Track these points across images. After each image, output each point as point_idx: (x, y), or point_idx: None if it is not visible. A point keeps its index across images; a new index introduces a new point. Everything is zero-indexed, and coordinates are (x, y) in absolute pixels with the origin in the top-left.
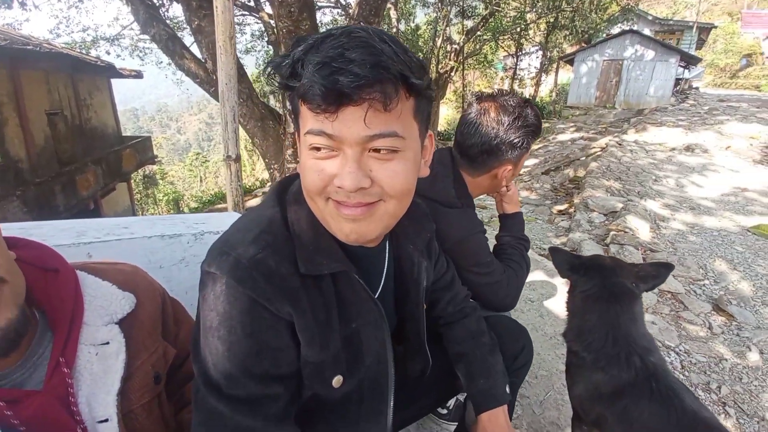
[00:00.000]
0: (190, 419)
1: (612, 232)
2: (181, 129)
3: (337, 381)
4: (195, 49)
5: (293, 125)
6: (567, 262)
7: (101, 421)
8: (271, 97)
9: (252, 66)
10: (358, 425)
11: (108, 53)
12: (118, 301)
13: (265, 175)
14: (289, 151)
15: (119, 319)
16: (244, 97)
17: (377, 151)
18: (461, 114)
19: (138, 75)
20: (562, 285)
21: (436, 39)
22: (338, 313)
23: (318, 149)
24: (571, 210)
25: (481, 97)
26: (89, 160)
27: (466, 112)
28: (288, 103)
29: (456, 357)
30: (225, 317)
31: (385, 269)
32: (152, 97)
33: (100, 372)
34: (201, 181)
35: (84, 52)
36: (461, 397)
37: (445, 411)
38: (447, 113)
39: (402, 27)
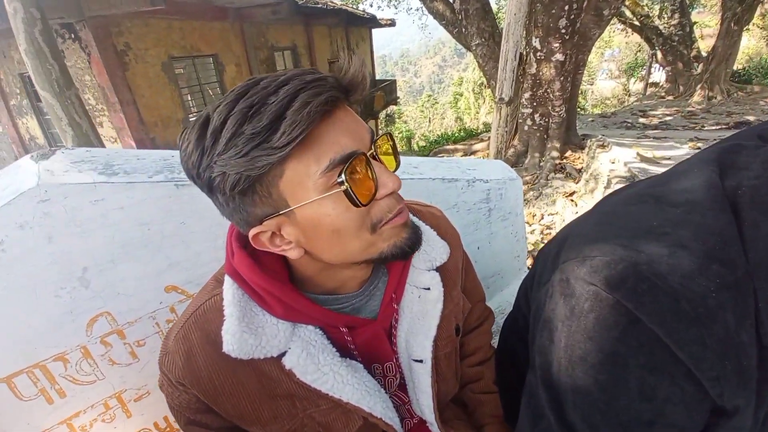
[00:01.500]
0: (469, 374)
1: None
2: (417, 72)
3: None
4: None
5: None
6: None
7: (417, 360)
8: None
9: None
10: None
11: (371, 5)
12: (438, 248)
13: (491, 118)
14: (527, 95)
15: (436, 267)
16: (486, 36)
17: None
18: None
19: (392, 23)
20: None
21: None
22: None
23: None
24: None
25: None
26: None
27: None
28: None
29: None
30: (615, 362)
31: None
32: (398, 44)
33: (419, 314)
34: (429, 122)
35: (354, 6)
36: None
37: None
38: (749, 45)
39: None
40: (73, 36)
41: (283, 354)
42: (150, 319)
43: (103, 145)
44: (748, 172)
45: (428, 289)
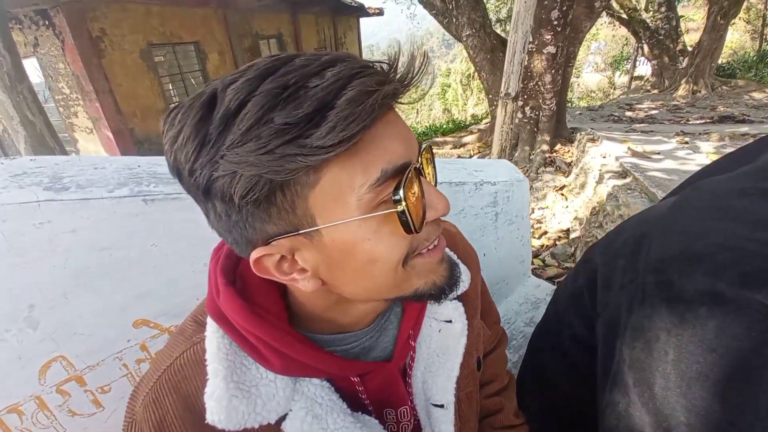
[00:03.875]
0: (487, 406)
1: None
2: None
3: None
4: None
5: None
6: None
7: (436, 405)
8: (497, 26)
9: None
10: None
11: None
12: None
13: (478, 110)
14: None
15: (458, 295)
16: (476, 27)
17: None
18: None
19: (380, 12)
20: None
21: None
22: None
23: None
24: None
25: None
26: None
27: None
28: None
29: None
30: (747, 376)
31: None
32: (385, 33)
33: (438, 351)
34: (417, 113)
35: None
36: None
37: None
38: (733, 39)
39: None
40: (47, 23)
41: (283, 418)
42: (116, 360)
43: (61, 146)
44: None
45: (450, 321)
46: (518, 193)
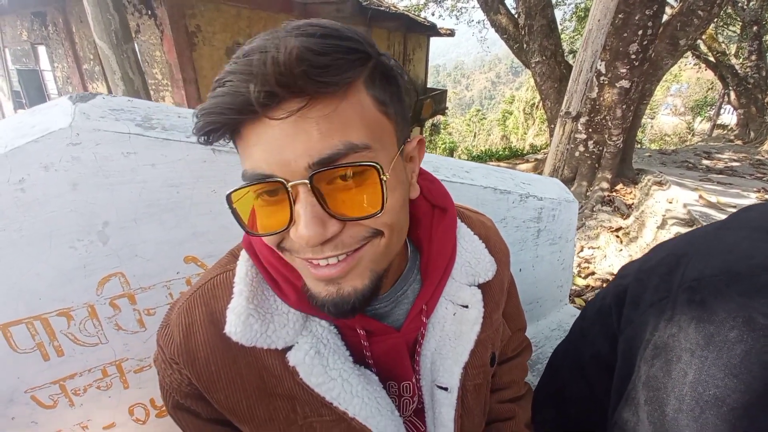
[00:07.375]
0: (498, 410)
1: None
2: (469, 86)
3: None
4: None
5: None
6: None
7: (441, 387)
8: (570, 57)
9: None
10: None
11: (433, 14)
12: (484, 263)
13: (538, 141)
14: (583, 119)
15: (479, 283)
16: (547, 54)
17: None
18: None
19: (451, 33)
20: None
21: None
22: None
23: None
24: None
25: None
26: None
27: None
28: None
29: None
30: (759, 401)
31: None
32: (453, 55)
33: (452, 334)
34: (474, 136)
35: (416, 13)
36: None
37: None
38: None
39: None
40: (149, 13)
41: (289, 348)
42: (164, 288)
43: None
44: None
45: (466, 307)
46: (565, 213)
